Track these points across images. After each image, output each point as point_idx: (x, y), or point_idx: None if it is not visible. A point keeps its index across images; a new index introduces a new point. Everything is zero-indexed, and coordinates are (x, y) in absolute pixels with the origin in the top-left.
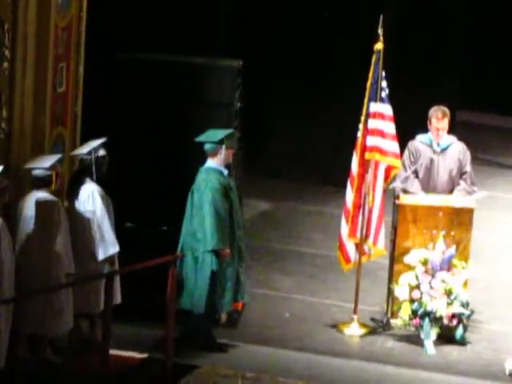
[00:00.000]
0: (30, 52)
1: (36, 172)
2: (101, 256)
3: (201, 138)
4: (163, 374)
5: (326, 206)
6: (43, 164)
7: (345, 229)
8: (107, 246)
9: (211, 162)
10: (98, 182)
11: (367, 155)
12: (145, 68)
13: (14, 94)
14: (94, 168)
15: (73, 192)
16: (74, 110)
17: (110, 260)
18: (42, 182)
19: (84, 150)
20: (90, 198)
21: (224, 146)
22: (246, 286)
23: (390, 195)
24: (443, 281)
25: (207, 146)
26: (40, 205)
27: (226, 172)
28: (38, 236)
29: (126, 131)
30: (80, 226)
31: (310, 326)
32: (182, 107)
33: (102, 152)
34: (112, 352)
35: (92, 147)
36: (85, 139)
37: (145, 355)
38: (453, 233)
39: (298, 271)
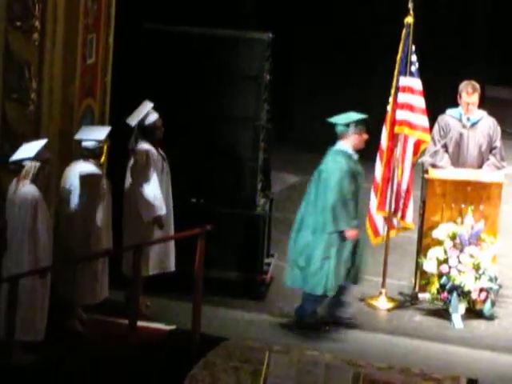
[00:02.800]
0: (60, 23)
1: (86, 143)
2: (145, 216)
3: (332, 119)
4: (190, 346)
5: None
6: (95, 136)
7: (374, 202)
8: (153, 207)
9: (341, 144)
10: (154, 145)
11: (397, 129)
12: (173, 40)
13: (43, 65)
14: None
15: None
16: (104, 81)
17: (157, 223)
18: (91, 154)
19: (132, 120)
20: (148, 160)
21: (353, 130)
22: (359, 270)
23: (419, 169)
24: (471, 255)
25: (337, 128)
26: (85, 177)
27: (355, 156)
28: (79, 208)
29: (155, 104)
30: (134, 186)
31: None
32: (211, 79)
33: (152, 117)
34: (140, 323)
35: (139, 117)
36: (114, 111)
37: (172, 327)
38: (481, 207)
39: None
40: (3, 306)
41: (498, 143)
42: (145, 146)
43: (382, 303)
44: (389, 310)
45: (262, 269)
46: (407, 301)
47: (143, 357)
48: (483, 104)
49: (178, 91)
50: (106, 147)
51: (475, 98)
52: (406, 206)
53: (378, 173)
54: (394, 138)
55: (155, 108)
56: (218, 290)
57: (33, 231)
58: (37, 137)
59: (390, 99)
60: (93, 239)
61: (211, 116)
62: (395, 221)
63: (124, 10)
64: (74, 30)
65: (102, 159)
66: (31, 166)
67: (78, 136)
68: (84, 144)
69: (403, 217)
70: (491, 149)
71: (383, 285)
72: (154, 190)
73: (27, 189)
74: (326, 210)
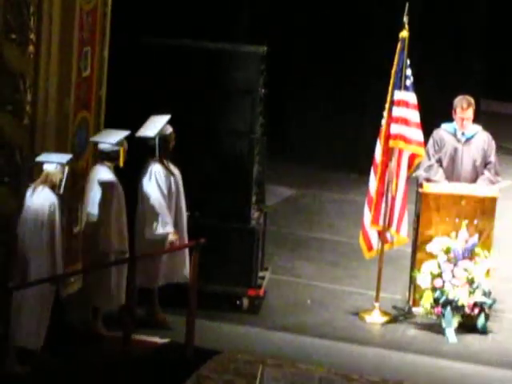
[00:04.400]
0: (55, 35)
1: (102, 146)
2: (156, 232)
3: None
4: (184, 359)
5: (349, 194)
6: (110, 139)
7: (368, 216)
8: (162, 224)
9: None
10: (165, 158)
11: (391, 143)
12: (169, 53)
13: (38, 77)
14: (157, 148)
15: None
16: (99, 94)
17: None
18: (106, 157)
19: (150, 131)
20: (152, 178)
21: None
22: None
23: (414, 183)
24: (465, 269)
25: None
26: (98, 180)
27: None
28: (92, 211)
29: (147, 117)
30: (140, 204)
31: (332, 313)
32: (206, 92)
33: (168, 130)
34: (134, 336)
35: (158, 129)
36: (108, 123)
37: (166, 340)
38: (476, 221)
39: (320, 258)
40: (13, 313)
41: (492, 158)
42: (153, 165)
43: (376, 317)
44: (382, 324)
45: (256, 282)
46: (401, 315)
47: (137, 370)
48: (478, 118)
49: (173, 104)
50: (122, 151)
51: (470, 113)
52: (400, 219)
53: (372, 187)
54: (388, 151)
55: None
56: (211, 303)
57: (51, 237)
58: (32, 149)
59: (385, 113)
60: (101, 242)
61: (206, 129)
62: (389, 235)
63: (120, 22)
64: (69, 42)
65: (120, 163)
66: (54, 172)
67: (94, 138)
68: (99, 146)
69: (398, 230)
70: (486, 163)
71: (377, 299)
72: (158, 209)
73: (45, 194)
74: None
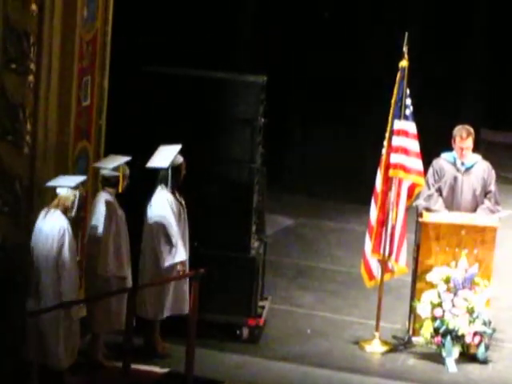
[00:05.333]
0: (55, 65)
1: (103, 172)
2: (166, 263)
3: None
4: None
5: (348, 223)
6: (109, 164)
7: (368, 245)
8: (174, 253)
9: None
10: (176, 188)
11: (391, 172)
12: (169, 82)
13: (38, 107)
14: (169, 178)
15: (146, 200)
16: (99, 123)
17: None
18: (107, 183)
19: (163, 162)
20: (167, 207)
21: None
22: None
23: (413, 213)
24: (465, 299)
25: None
26: (99, 205)
27: None
28: (93, 235)
29: (150, 146)
30: (149, 233)
31: (332, 342)
32: (206, 121)
33: (179, 159)
34: (133, 366)
35: (171, 159)
36: (108, 153)
37: (166, 370)
38: (475, 251)
39: (319, 287)
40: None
41: (492, 187)
42: (165, 194)
43: (376, 346)
44: (382, 354)
45: (255, 312)
46: (401, 344)
47: None
48: (478, 147)
49: (173, 133)
50: (122, 177)
51: (469, 143)
52: (399, 249)
53: (373, 215)
54: (388, 181)
55: (149, 149)
56: (211, 332)
57: (58, 261)
58: (31, 179)
59: (385, 142)
60: (98, 265)
61: (206, 158)
62: (390, 264)
63: (120, 52)
64: (69, 72)
65: (119, 189)
66: (66, 196)
67: (96, 164)
68: (101, 172)
69: (396, 260)
70: (486, 193)
71: (377, 328)
72: (175, 237)
73: (56, 217)
74: None
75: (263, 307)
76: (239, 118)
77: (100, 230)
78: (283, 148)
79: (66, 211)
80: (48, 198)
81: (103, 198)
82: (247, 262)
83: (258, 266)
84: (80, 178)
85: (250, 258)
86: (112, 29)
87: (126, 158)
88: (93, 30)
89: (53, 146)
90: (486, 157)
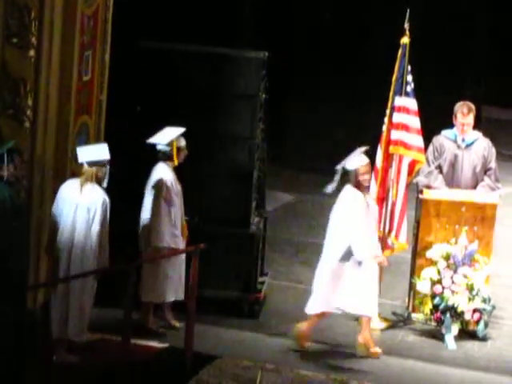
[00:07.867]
0: (56, 40)
1: (158, 146)
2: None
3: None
4: (183, 364)
5: None
6: (162, 139)
7: None
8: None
9: None
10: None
11: (391, 149)
12: (169, 58)
13: (39, 81)
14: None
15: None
16: (100, 98)
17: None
18: (164, 156)
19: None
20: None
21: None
22: None
23: (414, 189)
24: (465, 276)
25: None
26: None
27: None
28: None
29: (149, 121)
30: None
31: (331, 318)
32: (206, 97)
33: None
34: (133, 341)
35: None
36: (109, 128)
37: (165, 345)
38: (475, 228)
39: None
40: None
41: (492, 164)
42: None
43: (376, 323)
44: (382, 330)
45: (255, 287)
46: (400, 321)
47: (136, 375)
48: (479, 125)
49: (174, 109)
50: (174, 151)
51: (470, 119)
52: (399, 225)
53: (373, 192)
54: (388, 158)
55: (150, 125)
56: (211, 308)
57: (102, 232)
58: (32, 153)
59: (386, 119)
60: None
61: (206, 134)
62: (390, 241)
63: (121, 27)
64: (71, 47)
65: (175, 162)
66: (99, 168)
67: (151, 139)
68: (157, 146)
69: (396, 237)
70: (486, 170)
71: None
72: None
73: (96, 191)
74: None
75: (263, 283)
76: (240, 94)
77: (155, 202)
78: (284, 124)
79: (99, 182)
80: (48, 172)
81: (160, 169)
82: (247, 238)
83: (257, 242)
84: (105, 148)
85: (250, 233)
86: (113, 3)
87: (180, 130)
88: (94, 4)
89: (53, 120)
90: (486, 134)
